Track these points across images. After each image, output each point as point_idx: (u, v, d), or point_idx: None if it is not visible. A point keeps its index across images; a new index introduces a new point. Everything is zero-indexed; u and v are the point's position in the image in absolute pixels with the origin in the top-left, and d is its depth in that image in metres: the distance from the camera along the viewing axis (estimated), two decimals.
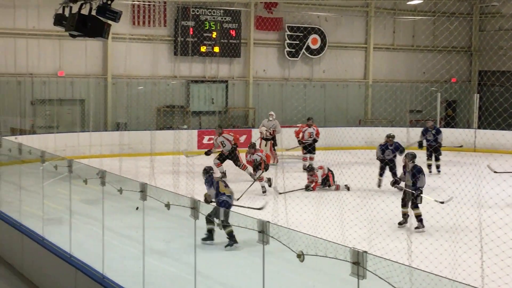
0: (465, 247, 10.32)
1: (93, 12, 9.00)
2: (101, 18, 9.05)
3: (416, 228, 12.18)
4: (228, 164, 17.59)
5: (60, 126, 23.14)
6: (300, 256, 5.27)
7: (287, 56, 27.69)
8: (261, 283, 5.99)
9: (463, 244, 10.48)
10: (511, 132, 22.48)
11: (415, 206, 12.35)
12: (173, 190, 14.50)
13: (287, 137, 19.87)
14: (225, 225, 10.46)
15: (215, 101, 26.65)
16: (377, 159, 16.49)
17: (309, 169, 16.41)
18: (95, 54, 24.23)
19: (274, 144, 20.97)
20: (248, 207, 11.79)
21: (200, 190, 14.90)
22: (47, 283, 9.52)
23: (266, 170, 15.96)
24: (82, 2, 9.07)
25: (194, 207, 6.79)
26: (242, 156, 17.18)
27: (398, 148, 16.19)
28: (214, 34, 25.89)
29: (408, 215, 12.34)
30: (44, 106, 23.07)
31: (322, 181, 16.14)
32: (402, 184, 13.10)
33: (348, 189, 15.93)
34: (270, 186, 15.95)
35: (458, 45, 27.49)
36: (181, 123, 25.08)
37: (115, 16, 9.00)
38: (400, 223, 12.49)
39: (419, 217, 12.32)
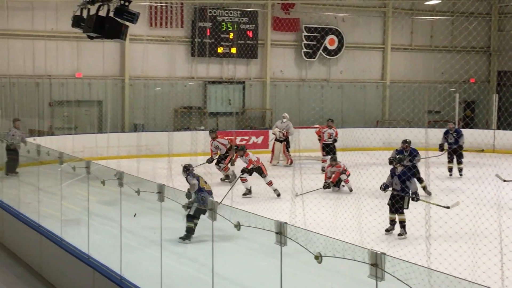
0: (485, 249, 10.23)
1: (111, 14, 9.01)
2: (119, 20, 9.06)
3: (399, 235, 11.85)
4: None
5: (78, 128, 23.27)
6: (318, 257, 5.25)
7: (304, 57, 27.65)
8: (279, 284, 5.95)
9: (483, 246, 10.41)
10: None
11: (401, 212, 11.96)
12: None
13: (304, 138, 19.85)
14: (189, 219, 10.69)
15: (232, 102, 26.67)
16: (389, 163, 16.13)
17: (334, 159, 16.43)
18: (112, 55, 24.35)
19: (288, 146, 21.00)
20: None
21: (217, 190, 14.93)
22: (65, 284, 9.54)
23: (250, 175, 15.56)
24: (100, 3, 9.08)
25: (212, 208, 6.76)
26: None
27: (413, 154, 15.71)
28: (231, 35, 25.91)
29: (396, 222, 12.01)
30: (62, 108, 23.22)
31: (336, 182, 16.09)
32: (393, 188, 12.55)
33: (350, 190, 15.88)
34: (278, 195, 15.57)
35: (476, 45, 27.31)
36: (198, 124, 25.13)
37: (133, 17, 9.02)
38: (387, 230, 12.09)
39: (402, 223, 11.94)
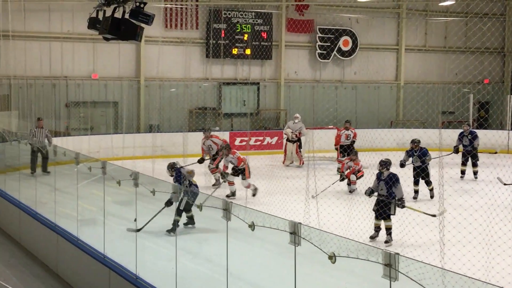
0: (499, 250, 10.23)
1: (127, 16, 9.04)
2: (134, 22, 9.09)
3: (386, 242, 11.41)
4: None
5: (94, 128, 23.45)
6: (332, 257, 5.28)
7: (318, 58, 27.67)
8: (293, 284, 6.00)
9: (497, 246, 10.40)
10: None
11: (386, 218, 11.50)
12: (205, 192, 14.66)
13: (318, 139, 19.84)
14: (178, 213, 10.92)
15: (247, 103, 26.74)
16: (400, 165, 15.50)
17: (354, 153, 16.41)
18: (128, 57, 24.50)
19: (300, 146, 21.03)
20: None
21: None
22: (82, 283, 9.62)
23: (237, 175, 15.26)
24: (116, 5, 9.12)
25: (226, 209, 6.81)
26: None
27: (423, 153, 15.44)
28: (246, 37, 25.98)
29: (381, 228, 11.68)
30: (78, 109, 23.39)
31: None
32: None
33: (350, 191, 15.84)
34: (254, 195, 15.34)
35: (491, 46, 27.21)
36: (213, 125, 25.21)
37: (148, 19, 9.05)
38: (371, 237, 11.63)
39: (389, 230, 11.51)
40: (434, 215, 11.81)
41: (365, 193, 12.21)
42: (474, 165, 18.33)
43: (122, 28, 9.04)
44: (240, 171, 15.25)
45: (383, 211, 11.44)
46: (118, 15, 9.02)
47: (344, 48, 27.91)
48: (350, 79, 28.44)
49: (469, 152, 18.30)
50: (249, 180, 15.32)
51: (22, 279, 10.25)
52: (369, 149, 19.18)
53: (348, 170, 16.07)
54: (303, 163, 20.71)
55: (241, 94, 26.62)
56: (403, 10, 28.89)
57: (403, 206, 11.56)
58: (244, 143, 23.63)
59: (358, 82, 28.44)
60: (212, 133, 17.88)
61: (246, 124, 25.96)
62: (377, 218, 11.65)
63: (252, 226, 6.41)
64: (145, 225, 9.48)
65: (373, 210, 11.74)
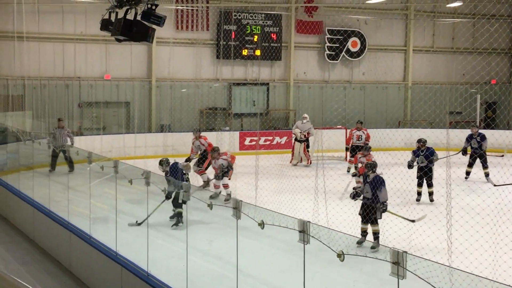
0: (506, 248, 10.28)
1: (138, 17, 9.12)
2: (146, 23, 9.17)
3: (372, 248, 10.70)
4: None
5: (106, 128, 23.59)
6: (341, 255, 5.35)
7: (327, 59, 27.74)
8: (302, 282, 6.07)
9: (504, 245, 10.42)
10: None
11: (373, 222, 11.00)
12: (215, 191, 14.78)
13: (327, 139, 19.95)
14: (179, 205, 11.32)
15: (257, 103, 26.85)
16: (408, 166, 15.35)
17: (366, 149, 16.24)
18: (140, 58, 24.65)
19: (307, 146, 21.12)
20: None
21: (241, 190, 15.12)
22: (94, 280, 9.71)
23: (221, 178, 14.94)
24: (128, 7, 9.22)
25: (236, 207, 6.89)
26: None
27: (430, 153, 15.12)
28: (256, 38, 26.10)
29: (367, 233, 11.21)
30: (91, 109, 23.55)
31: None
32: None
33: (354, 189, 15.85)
34: (227, 200, 14.09)
35: (498, 47, 27.19)
36: (223, 125, 25.33)
37: (160, 20, 9.14)
38: (358, 242, 10.82)
39: (376, 235, 10.93)
40: (413, 221, 11.63)
41: (350, 195, 11.79)
42: (484, 166, 17.99)
43: (134, 29, 9.12)
44: (226, 170, 14.94)
45: (369, 215, 11.06)
46: (130, 16, 9.10)
47: (352, 49, 27.97)
48: (359, 79, 28.50)
49: (477, 154, 18.01)
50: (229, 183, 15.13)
51: (36, 276, 10.34)
52: (377, 148, 19.25)
53: (361, 165, 15.94)
54: (311, 163, 20.83)
55: (251, 94, 26.72)
56: (411, 12, 28.90)
57: (384, 210, 11.02)
58: (253, 142, 23.77)
59: (366, 83, 28.49)
60: (202, 134, 17.64)
61: (255, 124, 26.06)
62: (363, 222, 11.22)
63: (261, 225, 6.48)
64: (146, 218, 9.60)
65: (359, 214, 11.40)
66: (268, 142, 24.48)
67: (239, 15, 25.91)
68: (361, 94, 28.41)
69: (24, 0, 18.38)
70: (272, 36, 26.43)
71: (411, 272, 4.92)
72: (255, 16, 26.18)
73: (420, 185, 15.21)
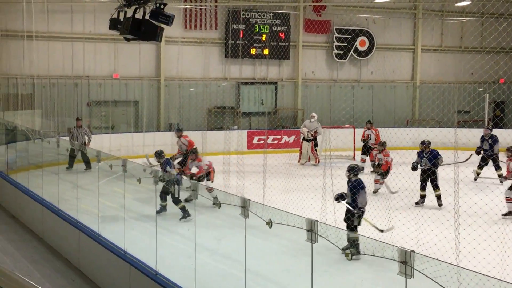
0: None
1: (147, 16, 9.13)
2: (155, 22, 9.18)
3: (352, 255, 9.67)
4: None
5: (115, 127, 23.68)
6: (348, 254, 5.39)
7: (335, 58, 27.73)
8: (310, 280, 6.08)
9: None
10: None
11: (351, 229, 10.44)
12: (223, 189, 14.78)
13: (335, 138, 19.96)
14: (178, 200, 11.63)
15: (265, 102, 26.87)
16: (412, 168, 15.07)
17: (381, 144, 16.18)
18: (148, 57, 24.70)
19: (315, 145, 21.14)
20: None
21: (249, 189, 15.15)
22: (103, 278, 9.76)
23: (201, 181, 14.40)
24: (136, 6, 9.23)
25: (244, 206, 6.89)
26: None
27: (436, 157, 14.76)
28: (264, 37, 26.11)
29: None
30: (99, 107, 23.63)
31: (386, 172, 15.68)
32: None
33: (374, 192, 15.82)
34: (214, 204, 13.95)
35: (506, 46, 27.05)
36: (231, 123, 25.38)
37: (168, 20, 9.16)
38: (343, 249, 9.37)
39: (355, 242, 9.57)
40: (382, 231, 11.30)
41: (334, 197, 11.22)
42: (497, 168, 17.77)
43: (143, 28, 9.14)
44: (203, 178, 14.61)
45: (350, 222, 10.59)
46: (138, 16, 9.12)
47: (360, 48, 27.95)
48: (367, 78, 28.47)
49: (489, 156, 17.84)
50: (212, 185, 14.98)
51: (45, 274, 10.38)
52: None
53: (384, 163, 15.73)
54: (318, 162, 20.85)
55: (259, 93, 26.73)
56: (419, 11, 28.84)
57: (358, 216, 10.58)
58: (262, 141, 23.80)
59: (374, 82, 28.46)
60: (184, 133, 17.56)
61: (264, 123, 26.08)
62: (348, 228, 10.55)
63: (269, 224, 6.49)
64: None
65: (344, 220, 10.90)
66: (276, 141, 24.52)
67: (248, 14, 25.93)
68: (369, 93, 28.38)
69: None
70: (280, 35, 26.45)
71: (419, 272, 4.91)
72: (264, 15, 26.19)
73: (423, 188, 14.83)
